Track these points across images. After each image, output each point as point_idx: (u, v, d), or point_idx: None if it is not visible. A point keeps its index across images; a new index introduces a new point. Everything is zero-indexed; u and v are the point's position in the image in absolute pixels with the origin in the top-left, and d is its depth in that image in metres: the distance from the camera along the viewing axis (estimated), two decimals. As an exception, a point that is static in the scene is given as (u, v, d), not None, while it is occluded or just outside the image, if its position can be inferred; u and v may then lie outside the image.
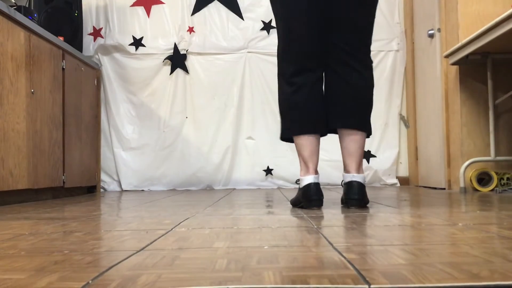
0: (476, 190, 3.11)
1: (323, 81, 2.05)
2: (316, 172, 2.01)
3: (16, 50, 2.65)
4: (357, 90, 1.99)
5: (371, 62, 2.06)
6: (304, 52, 1.99)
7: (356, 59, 1.98)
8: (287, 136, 2.09)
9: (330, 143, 4.29)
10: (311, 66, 2.00)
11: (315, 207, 1.94)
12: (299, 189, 2.03)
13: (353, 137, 1.99)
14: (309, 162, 2.00)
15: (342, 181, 2.03)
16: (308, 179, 1.96)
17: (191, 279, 0.73)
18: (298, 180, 2.10)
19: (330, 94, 2.02)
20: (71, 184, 3.39)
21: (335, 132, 2.08)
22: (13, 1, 3.62)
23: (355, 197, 1.92)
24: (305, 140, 2.01)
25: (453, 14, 3.28)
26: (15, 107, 2.63)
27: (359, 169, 1.97)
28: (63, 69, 3.30)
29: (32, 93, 2.83)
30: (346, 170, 2.00)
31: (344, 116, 1.99)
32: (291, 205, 2.12)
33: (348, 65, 1.98)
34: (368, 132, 2.04)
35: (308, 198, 1.94)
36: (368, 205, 2.01)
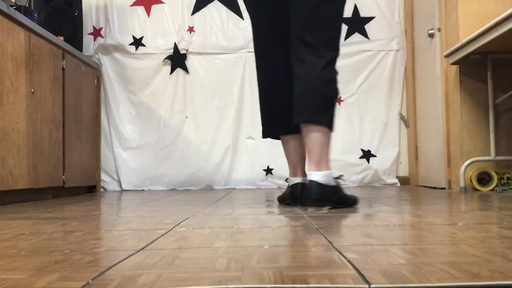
0: (476, 189, 3.11)
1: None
2: (304, 174, 2.05)
3: (16, 50, 2.65)
4: (308, 81, 1.91)
5: (333, 53, 1.97)
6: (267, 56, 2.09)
7: (308, 49, 1.94)
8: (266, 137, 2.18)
9: (330, 142, 4.31)
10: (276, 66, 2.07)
11: (300, 206, 2.01)
12: (288, 187, 2.11)
13: (309, 132, 1.89)
14: (297, 165, 2.08)
15: None
16: (295, 180, 2.05)
17: (191, 278, 0.73)
18: (287, 178, 2.14)
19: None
20: (71, 183, 3.39)
21: None
22: (13, 0, 3.62)
23: (310, 196, 1.85)
24: (283, 141, 2.10)
25: (453, 14, 3.28)
26: (15, 106, 2.63)
27: (318, 166, 1.86)
28: (63, 68, 3.30)
29: (32, 92, 2.83)
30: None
31: (298, 111, 1.92)
32: (278, 201, 2.23)
33: (300, 55, 1.95)
34: (327, 126, 1.91)
35: (294, 197, 2.03)
36: (328, 207, 1.88)
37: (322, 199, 1.84)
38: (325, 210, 1.82)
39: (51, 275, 0.78)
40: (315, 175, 1.85)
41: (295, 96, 1.95)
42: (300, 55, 1.95)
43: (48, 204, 2.54)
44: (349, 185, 4.19)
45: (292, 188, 2.03)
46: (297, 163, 2.07)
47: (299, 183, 2.01)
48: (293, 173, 2.08)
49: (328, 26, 1.97)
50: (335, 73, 1.97)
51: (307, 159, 1.93)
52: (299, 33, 1.96)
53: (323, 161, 1.87)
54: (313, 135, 1.88)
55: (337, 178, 1.95)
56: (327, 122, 1.90)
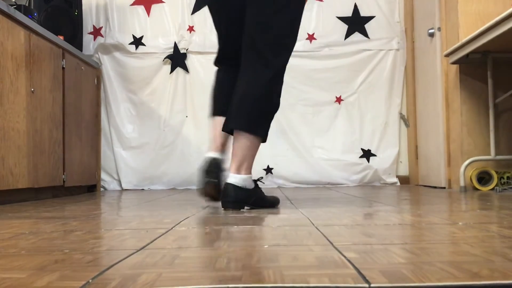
0: (476, 189, 3.11)
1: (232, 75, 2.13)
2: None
3: (16, 49, 2.65)
4: (253, 89, 1.94)
5: (282, 63, 1.99)
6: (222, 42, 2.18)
7: (258, 56, 1.97)
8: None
9: (329, 141, 4.31)
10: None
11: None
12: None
13: (241, 138, 1.93)
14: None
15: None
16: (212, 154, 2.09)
17: (191, 278, 0.73)
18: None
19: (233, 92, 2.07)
20: (71, 183, 3.39)
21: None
22: (13, 0, 3.62)
23: (227, 199, 1.90)
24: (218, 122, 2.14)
25: (453, 13, 3.28)
26: (15, 106, 2.63)
27: (239, 169, 1.92)
28: (63, 68, 3.30)
29: (32, 92, 2.83)
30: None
31: (236, 116, 1.95)
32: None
33: (250, 61, 1.98)
34: (261, 137, 1.96)
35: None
36: (245, 209, 1.94)
37: (238, 202, 1.90)
38: (244, 211, 1.87)
39: (51, 274, 0.78)
40: (233, 178, 1.90)
41: (235, 99, 1.95)
42: (250, 61, 1.98)
43: (48, 204, 2.55)
44: (349, 184, 4.19)
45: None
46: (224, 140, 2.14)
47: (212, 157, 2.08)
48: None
49: (282, 35, 1.98)
50: (280, 85, 2.01)
51: (231, 160, 1.95)
52: (251, 40, 1.97)
53: (245, 166, 1.92)
54: (243, 141, 1.92)
55: (256, 180, 2.00)
56: (262, 134, 1.96)
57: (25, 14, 2.97)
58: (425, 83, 3.92)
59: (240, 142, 1.92)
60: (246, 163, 1.92)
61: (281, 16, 1.95)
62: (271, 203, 2.02)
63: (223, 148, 2.12)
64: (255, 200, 1.95)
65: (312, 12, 4.33)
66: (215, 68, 2.26)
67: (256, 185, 1.97)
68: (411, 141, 4.26)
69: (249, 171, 1.93)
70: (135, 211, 1.95)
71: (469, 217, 1.48)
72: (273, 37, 1.96)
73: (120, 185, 4.28)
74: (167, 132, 4.29)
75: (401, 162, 4.36)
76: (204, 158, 2.10)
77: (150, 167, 4.27)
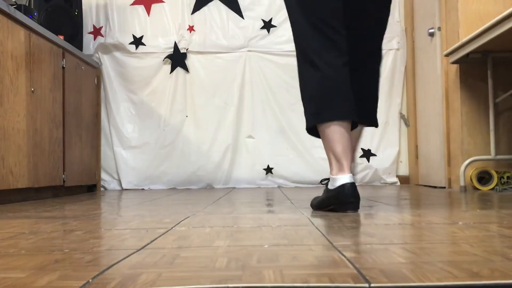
0: (476, 188, 3.11)
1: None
2: (351, 171, 1.73)
3: (16, 49, 2.65)
4: (376, 87, 2.04)
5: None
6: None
7: (381, 55, 2.06)
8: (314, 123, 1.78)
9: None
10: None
11: (351, 211, 1.68)
12: (329, 190, 1.73)
13: (361, 135, 2.04)
14: (343, 158, 1.70)
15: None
16: (344, 179, 1.67)
17: (191, 277, 0.73)
18: (324, 180, 1.98)
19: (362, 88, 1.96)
20: (71, 182, 3.39)
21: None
22: (13, 0, 3.62)
23: (357, 199, 1.72)
24: (338, 129, 1.71)
25: (454, 13, 3.28)
26: (15, 106, 2.63)
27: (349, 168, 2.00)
28: (63, 68, 3.29)
29: (32, 92, 2.82)
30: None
31: (374, 115, 2.04)
32: (312, 209, 1.85)
33: (374, 60, 2.03)
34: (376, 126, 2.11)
35: (344, 201, 1.67)
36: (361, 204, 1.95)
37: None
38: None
39: (51, 274, 0.78)
40: (351, 178, 1.73)
41: (373, 98, 2.02)
42: (378, 60, 2.02)
43: (48, 203, 2.54)
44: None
45: (339, 190, 1.67)
46: (345, 155, 1.72)
47: (347, 183, 1.67)
48: (338, 169, 1.70)
49: None
50: None
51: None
52: (380, 37, 2.00)
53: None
54: (360, 138, 2.03)
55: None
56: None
57: (25, 13, 2.97)
58: (425, 82, 3.92)
59: (359, 139, 2.00)
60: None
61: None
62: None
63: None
64: None
65: (312, 12, 4.32)
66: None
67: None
68: (411, 140, 4.26)
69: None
70: (135, 211, 1.95)
71: (469, 217, 1.48)
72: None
73: (120, 184, 4.28)
74: (167, 132, 4.29)
75: (401, 161, 4.36)
76: (345, 184, 1.66)
77: (150, 166, 4.27)
